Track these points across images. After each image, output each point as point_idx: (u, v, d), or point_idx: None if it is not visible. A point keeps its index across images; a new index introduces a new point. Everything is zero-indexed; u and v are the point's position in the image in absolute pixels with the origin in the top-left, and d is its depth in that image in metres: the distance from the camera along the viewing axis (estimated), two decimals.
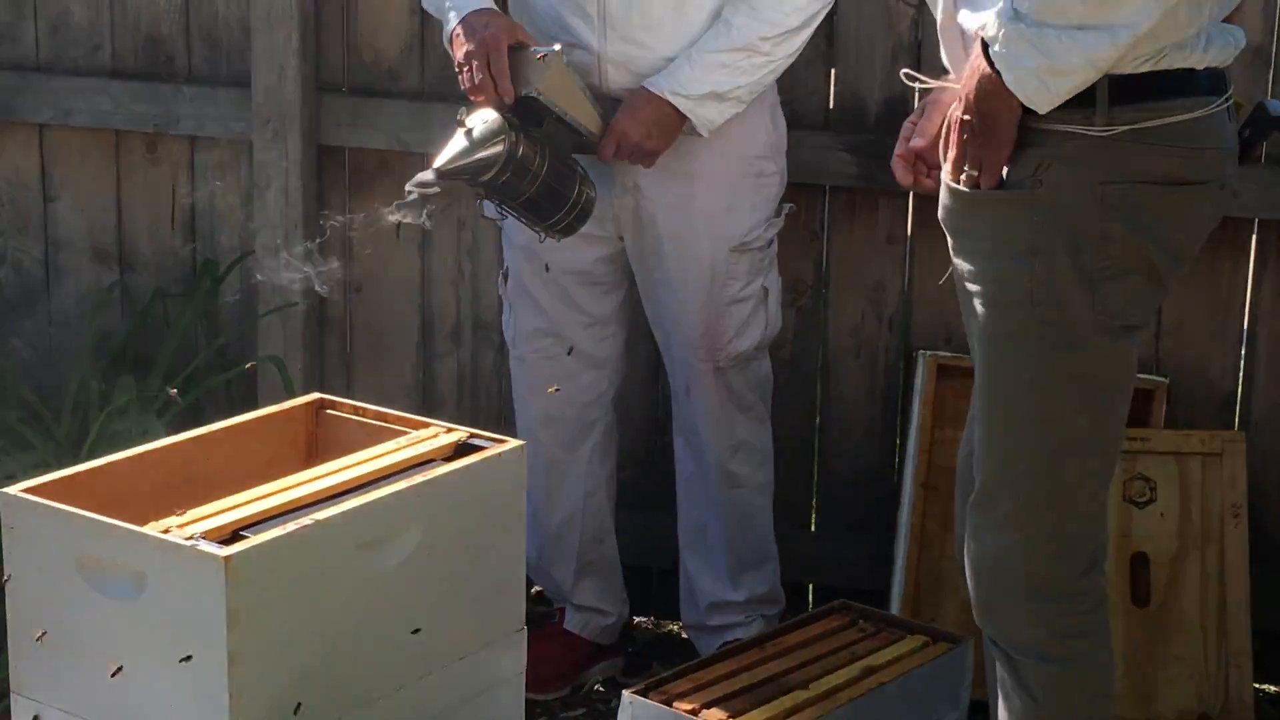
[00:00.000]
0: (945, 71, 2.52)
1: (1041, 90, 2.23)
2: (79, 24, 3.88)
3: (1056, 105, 2.25)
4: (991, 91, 2.26)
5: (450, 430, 2.67)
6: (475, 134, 2.98)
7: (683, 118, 3.14)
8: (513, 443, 2.61)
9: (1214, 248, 3.12)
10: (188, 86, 3.84)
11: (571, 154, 3.14)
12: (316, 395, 2.82)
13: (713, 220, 3.26)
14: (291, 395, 3.53)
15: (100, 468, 2.53)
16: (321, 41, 3.78)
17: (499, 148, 2.98)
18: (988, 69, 2.25)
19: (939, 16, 2.46)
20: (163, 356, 3.75)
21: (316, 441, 2.79)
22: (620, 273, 3.38)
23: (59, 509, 2.35)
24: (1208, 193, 2.36)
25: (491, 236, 3.78)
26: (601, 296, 3.39)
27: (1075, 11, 2.17)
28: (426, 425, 2.69)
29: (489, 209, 3.31)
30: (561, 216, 3.12)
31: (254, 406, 3.77)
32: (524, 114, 3.05)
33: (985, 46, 2.26)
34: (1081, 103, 2.26)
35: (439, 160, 2.98)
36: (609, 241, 3.33)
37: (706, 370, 3.32)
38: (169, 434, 3.30)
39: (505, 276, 3.46)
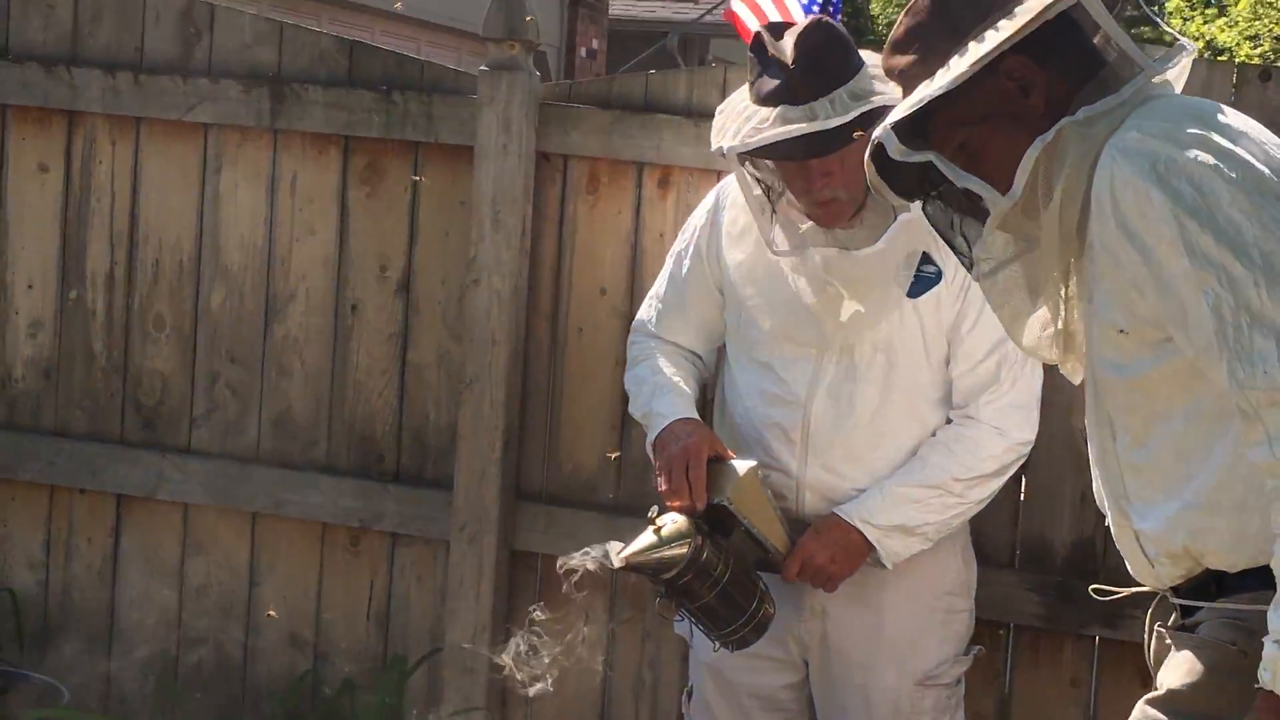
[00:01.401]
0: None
1: None
2: (299, 421, 4.09)
3: None
4: None
5: None
6: (663, 532, 3.05)
7: (869, 546, 3.17)
8: None
9: None
10: (394, 485, 4.00)
11: (756, 569, 3.18)
12: None
13: (899, 652, 3.25)
14: None
15: None
16: (523, 450, 3.93)
17: (683, 549, 3.04)
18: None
19: (1110, 523, 2.43)
20: None
21: None
22: (805, 701, 3.37)
23: None
24: None
25: (673, 649, 3.82)
26: None
27: None
28: None
29: (680, 625, 3.35)
30: (737, 628, 3.14)
31: None
32: (714, 522, 3.12)
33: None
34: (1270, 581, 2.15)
35: (625, 551, 3.05)
36: (794, 667, 3.33)
37: None
38: None
39: (689, 694, 3.47)
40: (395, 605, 4.05)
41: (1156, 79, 2.29)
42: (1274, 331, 2.09)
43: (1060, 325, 2.44)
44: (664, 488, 3.15)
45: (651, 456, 3.25)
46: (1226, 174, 2.14)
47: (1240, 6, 16.78)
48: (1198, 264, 2.13)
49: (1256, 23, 16.39)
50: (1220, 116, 2.23)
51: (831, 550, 3.16)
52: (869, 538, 3.16)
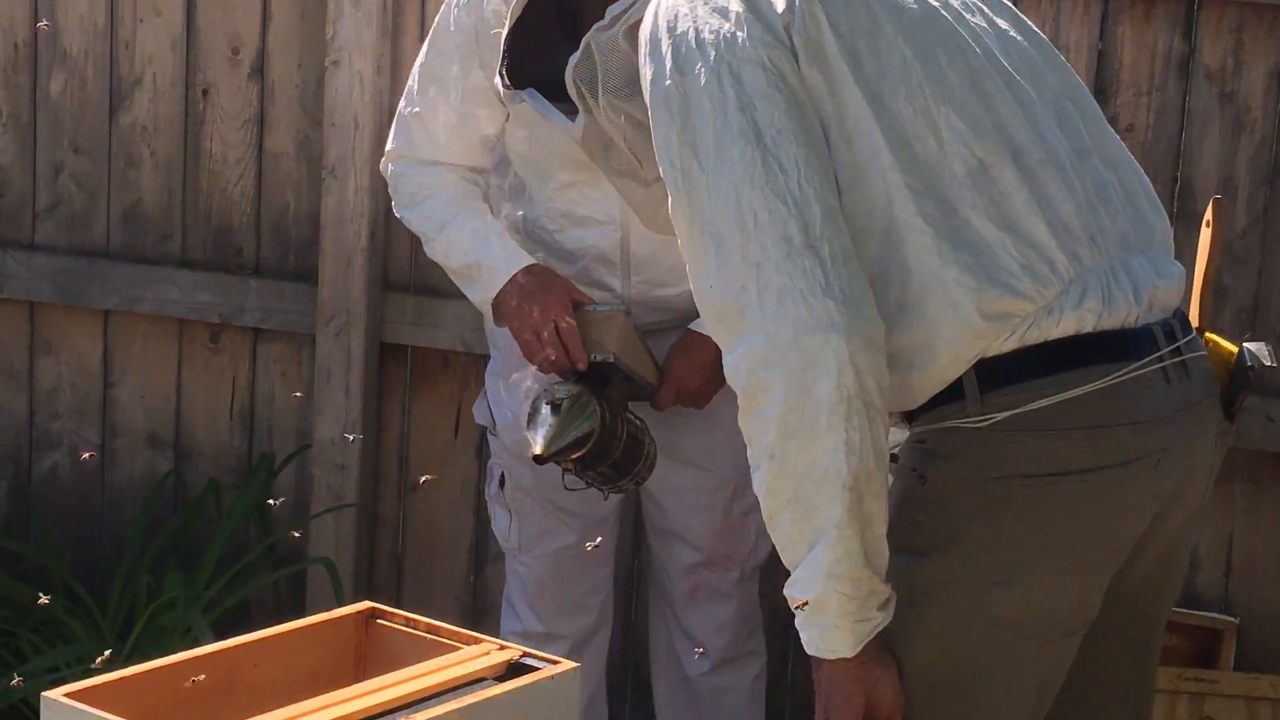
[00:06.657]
0: None
1: None
2: (150, 213, 3.90)
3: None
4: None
5: (504, 648, 2.59)
6: (563, 408, 2.88)
7: None
8: (566, 664, 2.54)
9: None
10: (254, 279, 3.85)
11: (626, 404, 3.06)
12: (368, 604, 2.76)
13: (733, 430, 3.19)
14: (341, 602, 3.48)
15: (145, 673, 2.46)
16: (390, 239, 3.79)
17: (592, 422, 2.89)
18: None
19: None
20: (213, 550, 3.71)
21: (366, 652, 2.72)
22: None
23: (101, 717, 2.28)
24: (1128, 476, 2.04)
25: None
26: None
27: None
28: (479, 641, 2.62)
29: (480, 415, 3.25)
30: (638, 470, 3.02)
31: (303, 606, 3.73)
32: (593, 376, 2.97)
33: None
34: (953, 395, 2.03)
35: (537, 446, 2.87)
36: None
37: (723, 580, 3.24)
38: (214, 631, 3.28)
39: (502, 483, 3.26)
40: (259, 404, 3.93)
41: None
42: (716, 240, 2.03)
43: None
44: (537, 358, 2.94)
45: (491, 316, 3.02)
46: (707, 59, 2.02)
47: None
48: (664, 164, 2.07)
49: None
50: None
51: (702, 371, 3.04)
52: None
